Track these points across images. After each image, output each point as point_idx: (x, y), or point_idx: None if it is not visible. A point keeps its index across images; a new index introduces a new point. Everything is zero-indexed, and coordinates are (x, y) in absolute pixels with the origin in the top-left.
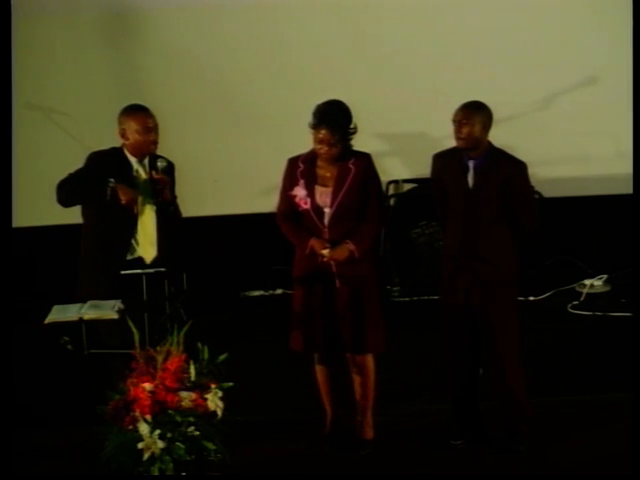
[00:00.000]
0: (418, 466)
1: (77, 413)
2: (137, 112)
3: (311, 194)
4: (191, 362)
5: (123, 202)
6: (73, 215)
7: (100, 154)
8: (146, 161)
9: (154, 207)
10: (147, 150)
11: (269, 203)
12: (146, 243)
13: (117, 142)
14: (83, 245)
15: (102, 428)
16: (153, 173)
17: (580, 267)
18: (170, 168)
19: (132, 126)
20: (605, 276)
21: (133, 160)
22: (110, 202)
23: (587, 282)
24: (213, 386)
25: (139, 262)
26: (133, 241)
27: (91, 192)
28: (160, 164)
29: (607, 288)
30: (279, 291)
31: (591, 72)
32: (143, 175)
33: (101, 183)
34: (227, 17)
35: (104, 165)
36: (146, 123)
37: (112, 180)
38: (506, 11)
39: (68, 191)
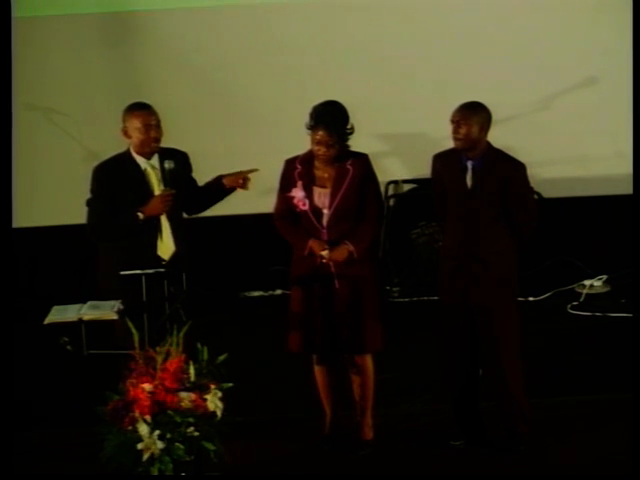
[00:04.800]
0: (418, 466)
1: (77, 413)
2: (139, 110)
3: (309, 195)
4: (191, 362)
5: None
6: (73, 215)
7: (104, 167)
8: (155, 159)
9: None
10: (150, 147)
11: (269, 203)
12: (160, 240)
13: (117, 141)
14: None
15: (102, 428)
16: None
17: (580, 267)
18: (180, 164)
19: (134, 124)
20: (605, 276)
21: (141, 160)
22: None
23: (587, 282)
24: (213, 386)
25: (158, 260)
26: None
27: (124, 229)
28: (167, 166)
29: (607, 288)
30: (278, 291)
31: (591, 72)
32: (152, 174)
33: (130, 217)
34: (227, 18)
35: (112, 178)
36: (147, 121)
37: (140, 214)
38: (506, 11)
39: (102, 235)
